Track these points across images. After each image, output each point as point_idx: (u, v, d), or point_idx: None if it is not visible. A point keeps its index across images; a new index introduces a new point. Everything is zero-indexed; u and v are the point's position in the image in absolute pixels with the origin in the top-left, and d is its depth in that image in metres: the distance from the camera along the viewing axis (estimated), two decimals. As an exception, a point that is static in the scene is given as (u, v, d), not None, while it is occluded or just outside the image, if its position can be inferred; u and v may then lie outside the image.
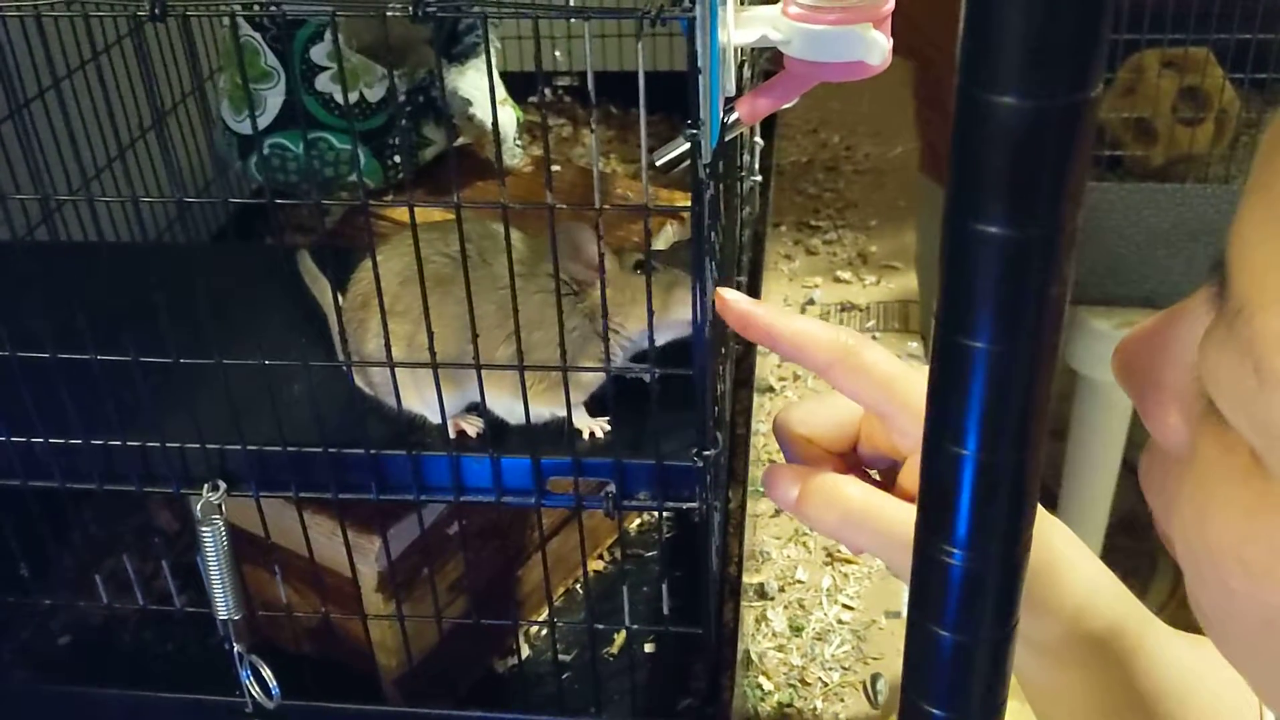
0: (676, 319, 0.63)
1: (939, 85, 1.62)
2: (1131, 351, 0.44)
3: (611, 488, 0.62)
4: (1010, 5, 0.32)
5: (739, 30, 0.61)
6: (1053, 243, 0.36)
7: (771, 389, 1.18)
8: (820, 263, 1.39)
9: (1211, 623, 0.44)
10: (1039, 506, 0.58)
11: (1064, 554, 0.59)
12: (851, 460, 0.60)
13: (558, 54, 1.40)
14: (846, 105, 1.73)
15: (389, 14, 0.49)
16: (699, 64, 0.51)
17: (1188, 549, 0.43)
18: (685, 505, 0.62)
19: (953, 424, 0.39)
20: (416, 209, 0.58)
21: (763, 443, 1.10)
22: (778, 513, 1.02)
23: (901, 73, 1.66)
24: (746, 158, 0.92)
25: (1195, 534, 0.42)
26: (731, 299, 0.57)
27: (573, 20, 0.58)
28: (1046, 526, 0.59)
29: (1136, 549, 2.20)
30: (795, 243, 1.44)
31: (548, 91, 1.41)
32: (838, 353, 0.55)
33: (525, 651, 0.87)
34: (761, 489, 1.05)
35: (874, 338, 1.25)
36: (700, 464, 0.60)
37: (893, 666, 0.87)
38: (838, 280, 1.35)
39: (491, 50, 1.06)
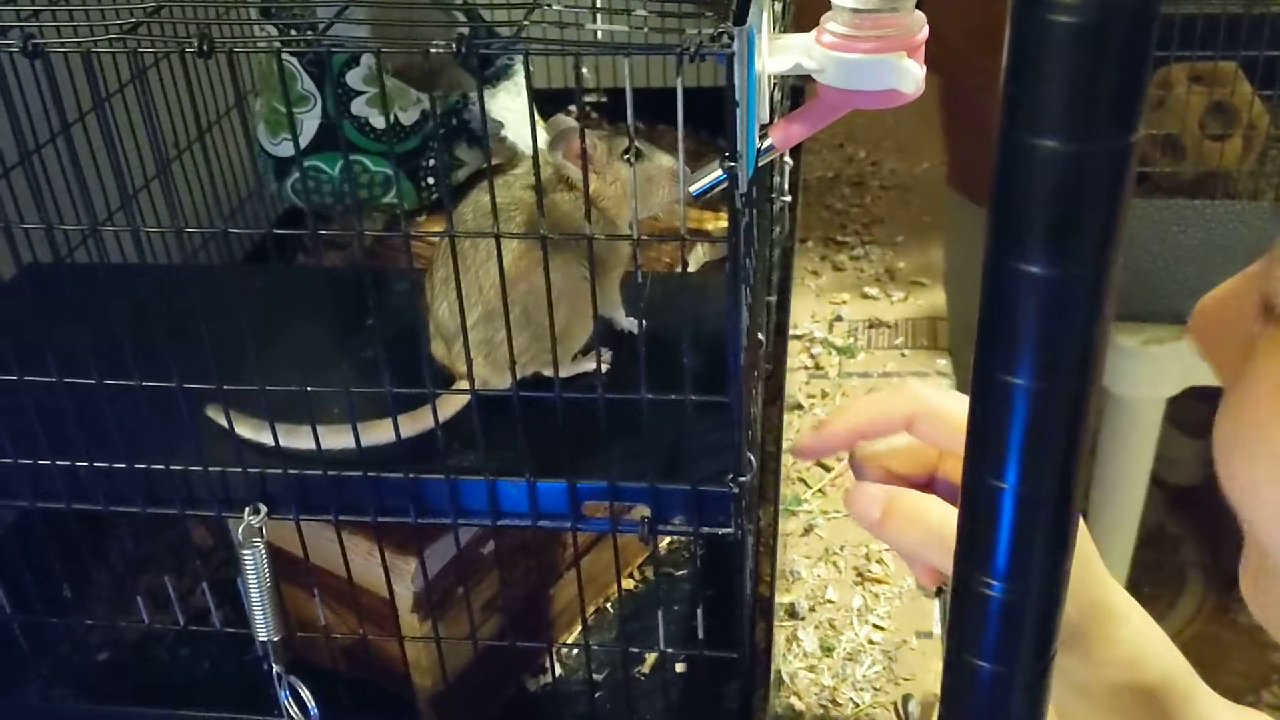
0: (655, 202, 0.73)
1: (966, 100, 1.62)
2: (1209, 309, 0.46)
3: (646, 512, 0.63)
4: (1054, 51, 0.32)
5: (772, 58, 0.62)
6: (1095, 282, 0.36)
7: (800, 406, 1.18)
8: (847, 279, 1.40)
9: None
10: (1096, 555, 0.59)
11: (1119, 604, 0.60)
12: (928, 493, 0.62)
13: (584, 70, 1.41)
14: (872, 120, 1.73)
15: (433, 51, 0.50)
16: (736, 97, 0.51)
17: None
18: (720, 531, 0.62)
19: (993, 458, 0.39)
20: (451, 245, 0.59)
21: (791, 460, 1.10)
22: (808, 531, 1.02)
23: (928, 88, 1.65)
24: (776, 178, 0.92)
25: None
26: (805, 445, 0.62)
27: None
28: (1103, 576, 0.60)
29: (1164, 563, 2.19)
30: (822, 258, 1.44)
31: (572, 109, 1.42)
32: (910, 409, 0.59)
33: (557, 670, 0.87)
34: (790, 507, 1.06)
35: (902, 355, 1.25)
36: (735, 490, 0.61)
37: (924, 687, 0.87)
38: (865, 296, 1.35)
39: (525, 73, 1.07)
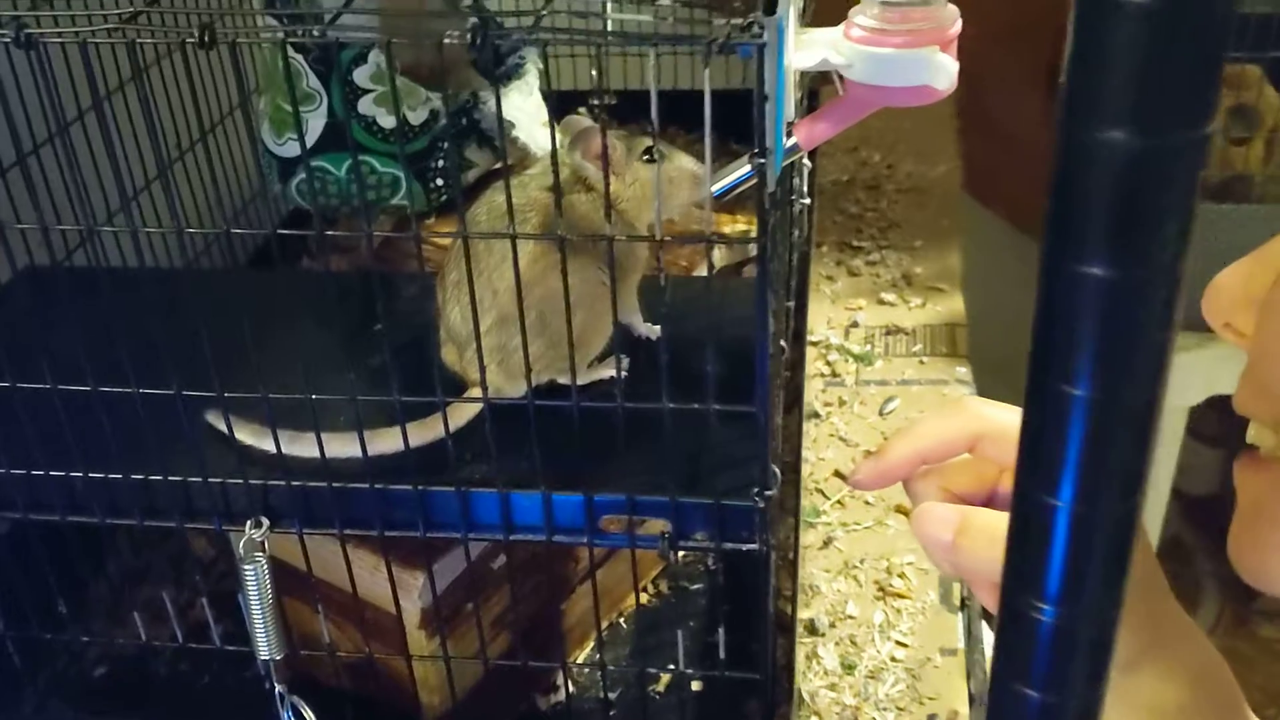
0: (675, 204, 0.71)
1: (982, 106, 1.59)
2: (1222, 284, 0.49)
3: (667, 528, 0.60)
4: (1122, 34, 0.30)
5: (799, 53, 0.59)
6: (1161, 286, 0.33)
7: (817, 414, 1.15)
8: (864, 284, 1.37)
9: None
10: (1159, 566, 0.57)
11: (1184, 618, 0.58)
12: None
13: (594, 73, 1.39)
14: (887, 123, 1.70)
15: (446, 41, 0.47)
16: (765, 91, 0.49)
17: None
18: (745, 546, 0.60)
19: (1046, 473, 0.37)
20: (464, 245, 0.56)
21: (808, 471, 1.08)
22: (827, 544, 1.00)
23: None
24: (796, 180, 0.89)
25: None
26: (865, 475, 0.58)
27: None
28: (1166, 587, 0.58)
29: (1181, 575, 2.16)
30: (837, 263, 1.41)
31: (582, 110, 1.39)
32: (974, 428, 0.57)
33: (569, 688, 0.84)
34: (808, 518, 1.03)
35: (921, 362, 1.22)
36: (761, 504, 0.58)
37: (949, 707, 0.84)
38: (882, 302, 1.33)
39: (535, 72, 1.04)
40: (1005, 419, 0.58)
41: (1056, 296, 0.34)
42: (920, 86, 0.58)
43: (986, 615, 0.93)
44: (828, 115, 0.62)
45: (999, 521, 0.54)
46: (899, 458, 0.58)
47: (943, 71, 0.57)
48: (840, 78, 0.63)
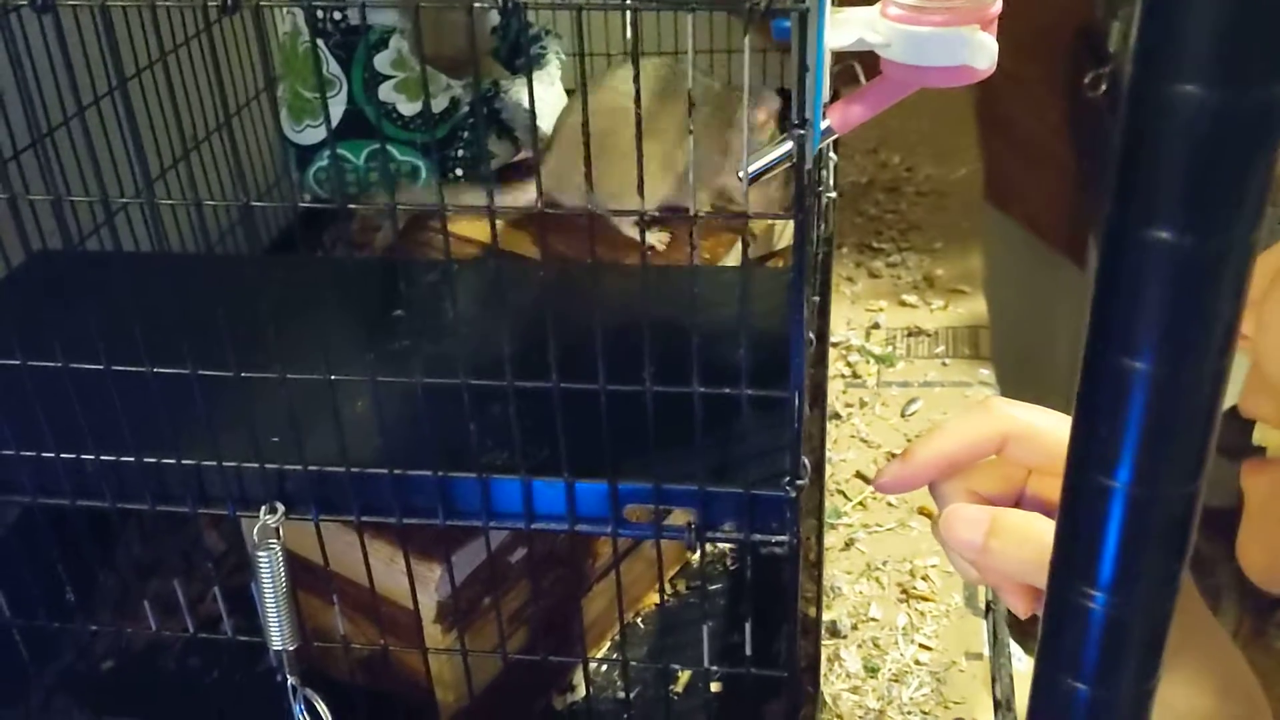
0: None
1: (1003, 112, 1.57)
2: None
3: (694, 518, 0.58)
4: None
5: (834, 32, 0.57)
6: (1234, 253, 0.32)
7: (838, 415, 1.13)
8: (884, 285, 1.35)
9: None
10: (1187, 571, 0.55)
11: (1212, 620, 0.56)
12: None
13: (627, 37, 1.37)
14: (907, 125, 1.69)
15: (475, 6, 0.46)
16: (806, 60, 0.47)
17: None
18: (774, 539, 0.58)
19: (1103, 453, 0.35)
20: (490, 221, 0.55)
21: (830, 472, 1.06)
22: (848, 545, 0.98)
23: (964, 92, 1.61)
24: (824, 172, 0.88)
25: None
26: (891, 478, 0.57)
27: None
28: (1192, 587, 0.56)
29: (1202, 587, 2.12)
30: (857, 265, 1.40)
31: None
32: (1002, 429, 0.56)
33: (588, 687, 0.83)
34: (830, 520, 1.01)
35: (943, 364, 1.20)
36: (792, 494, 0.56)
37: (975, 712, 0.82)
38: (903, 304, 1.31)
39: (556, 62, 1.03)
40: (1032, 419, 0.56)
41: (1120, 263, 0.32)
42: (959, 66, 0.56)
43: (1013, 621, 0.91)
44: (864, 97, 0.60)
45: (1030, 522, 0.52)
46: (924, 461, 0.57)
47: (983, 50, 0.56)
48: (861, 70, 0.62)
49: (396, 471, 0.61)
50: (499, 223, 0.69)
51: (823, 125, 0.59)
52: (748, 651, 0.64)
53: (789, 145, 0.50)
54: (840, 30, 0.58)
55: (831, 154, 0.95)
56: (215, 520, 0.91)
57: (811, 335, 0.78)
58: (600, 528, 0.60)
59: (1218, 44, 0.29)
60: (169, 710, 0.81)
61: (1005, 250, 1.59)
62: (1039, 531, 0.52)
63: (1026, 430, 0.56)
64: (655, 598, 0.89)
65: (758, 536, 0.58)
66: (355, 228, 1.17)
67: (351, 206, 0.55)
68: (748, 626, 0.67)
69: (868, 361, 1.22)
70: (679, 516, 0.61)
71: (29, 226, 0.63)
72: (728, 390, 0.55)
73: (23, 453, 0.64)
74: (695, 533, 0.58)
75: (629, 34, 0.46)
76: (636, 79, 0.48)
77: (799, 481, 0.56)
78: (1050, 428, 0.55)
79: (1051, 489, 0.56)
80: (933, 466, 0.57)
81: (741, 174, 0.58)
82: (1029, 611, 0.54)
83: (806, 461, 0.58)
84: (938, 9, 0.55)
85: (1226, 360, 0.33)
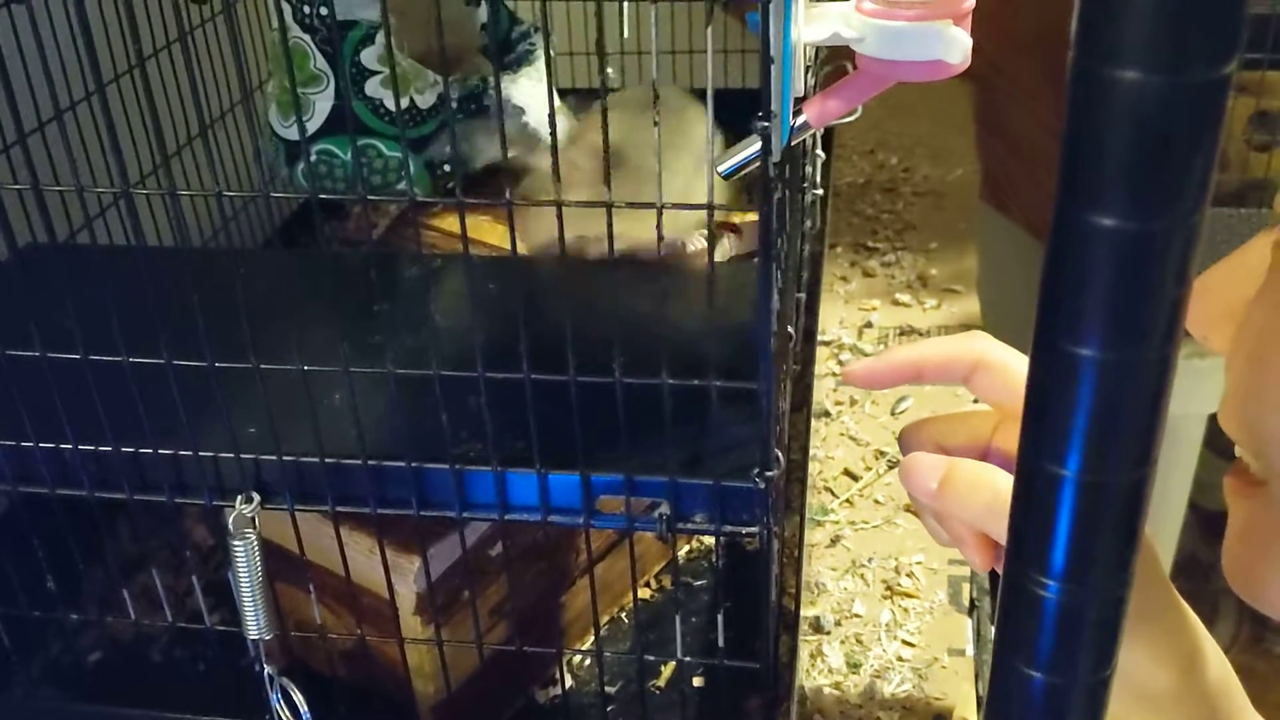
0: None
1: (999, 112, 1.57)
2: (1201, 288, 0.47)
3: (665, 509, 0.59)
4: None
5: (808, 27, 0.58)
6: (1178, 237, 0.32)
7: (827, 413, 1.13)
8: (878, 285, 1.35)
9: None
10: (1149, 536, 0.55)
11: (1175, 595, 0.56)
12: None
13: (610, 71, 1.38)
14: (904, 126, 1.69)
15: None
16: (771, 52, 0.47)
17: None
18: (745, 530, 0.58)
19: (1052, 441, 0.35)
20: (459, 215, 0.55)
21: (817, 469, 1.06)
22: (834, 542, 0.98)
23: (962, 94, 1.61)
24: (808, 169, 0.88)
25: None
26: (860, 369, 0.60)
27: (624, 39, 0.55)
28: (1157, 559, 0.56)
29: (1198, 593, 2.12)
30: (852, 264, 1.40)
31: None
32: (975, 358, 0.58)
33: (568, 681, 0.83)
34: (816, 517, 1.01)
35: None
36: (762, 485, 0.56)
37: (957, 709, 0.82)
38: (897, 303, 1.31)
39: (544, 60, 1.03)
40: (1007, 357, 0.58)
41: (1066, 249, 0.32)
42: (933, 61, 0.56)
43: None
44: (839, 92, 0.61)
45: (985, 471, 0.54)
46: (896, 361, 0.60)
47: (956, 45, 0.56)
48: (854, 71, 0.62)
49: (371, 462, 0.61)
50: (505, 220, 0.69)
51: (799, 120, 0.59)
52: (720, 643, 0.64)
53: (758, 144, 0.50)
54: (815, 25, 0.58)
55: (819, 151, 0.95)
56: (203, 515, 0.91)
57: (791, 330, 0.78)
58: (573, 519, 0.61)
59: (1157, 27, 0.29)
60: (154, 701, 0.82)
61: (1000, 250, 1.59)
62: (990, 481, 0.52)
63: (998, 364, 0.58)
64: (641, 592, 0.89)
65: (728, 528, 0.58)
66: (351, 226, 1.17)
67: (323, 197, 0.55)
68: (720, 618, 0.67)
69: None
70: (658, 508, 0.61)
71: (16, 223, 0.64)
72: (696, 382, 0.55)
73: (3, 442, 0.64)
74: (666, 524, 0.58)
75: (596, 32, 0.46)
76: (602, 70, 0.48)
77: (769, 473, 0.56)
78: (1022, 370, 0.56)
79: (1013, 441, 0.57)
80: (902, 367, 0.60)
81: (720, 170, 0.58)
82: (987, 566, 0.55)
83: (779, 454, 0.59)
84: (912, 4, 0.56)
85: (1173, 345, 0.34)
